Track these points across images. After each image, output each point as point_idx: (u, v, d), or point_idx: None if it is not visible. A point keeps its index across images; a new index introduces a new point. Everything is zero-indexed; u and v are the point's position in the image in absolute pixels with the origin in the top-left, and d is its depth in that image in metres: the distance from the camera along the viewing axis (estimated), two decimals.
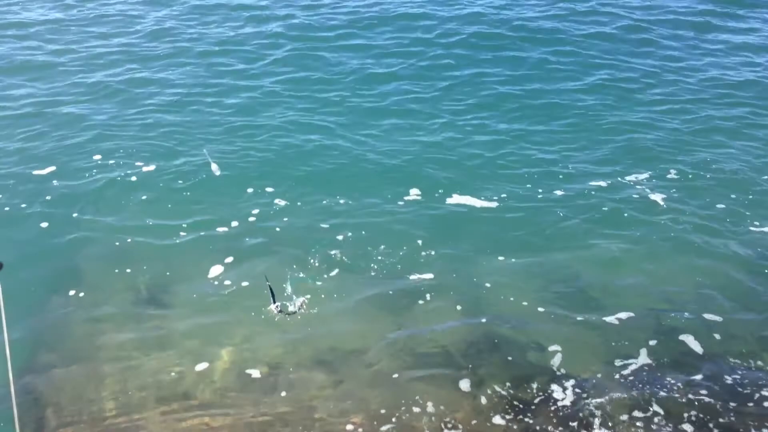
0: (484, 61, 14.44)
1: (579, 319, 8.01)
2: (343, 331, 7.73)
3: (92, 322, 7.80)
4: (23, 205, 9.63)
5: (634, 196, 10.24)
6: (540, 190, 10.30)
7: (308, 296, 7.93)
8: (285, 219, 9.52)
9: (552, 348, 7.55)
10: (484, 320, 7.95)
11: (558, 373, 7.24)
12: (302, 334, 7.63)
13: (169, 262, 8.67)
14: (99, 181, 10.21)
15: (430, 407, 6.81)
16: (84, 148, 11.05)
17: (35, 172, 10.36)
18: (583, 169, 10.87)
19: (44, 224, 9.33)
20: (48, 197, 9.83)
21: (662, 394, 7.00)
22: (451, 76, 13.74)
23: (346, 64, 14.10)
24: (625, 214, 9.83)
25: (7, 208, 9.55)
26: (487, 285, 8.46)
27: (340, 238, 9.14)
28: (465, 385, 7.09)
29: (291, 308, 7.39)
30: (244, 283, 8.31)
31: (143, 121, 11.90)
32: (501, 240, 9.28)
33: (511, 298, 8.27)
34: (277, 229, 9.34)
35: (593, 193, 10.29)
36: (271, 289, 7.60)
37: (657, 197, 10.16)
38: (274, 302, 7.50)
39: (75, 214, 9.52)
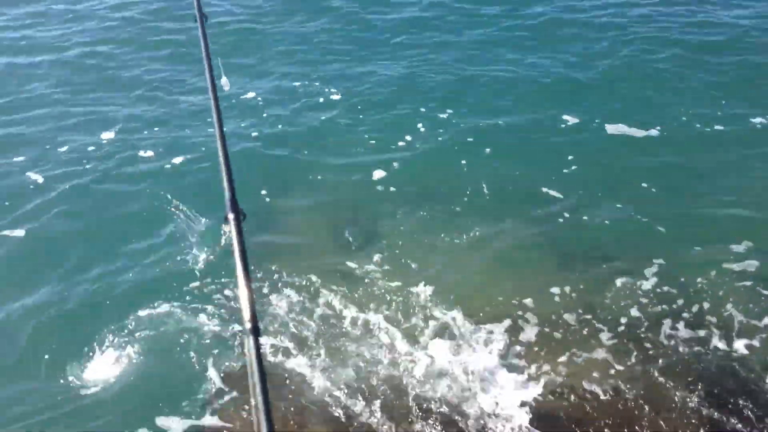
0: None
1: None
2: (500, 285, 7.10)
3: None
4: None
5: None
6: (698, 125, 9.32)
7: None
8: (446, 137, 9.37)
9: None
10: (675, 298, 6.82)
11: None
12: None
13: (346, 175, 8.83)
14: (295, 105, 10.43)
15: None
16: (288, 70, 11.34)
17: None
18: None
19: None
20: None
21: None
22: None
23: None
24: None
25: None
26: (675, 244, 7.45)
27: (496, 165, 8.79)
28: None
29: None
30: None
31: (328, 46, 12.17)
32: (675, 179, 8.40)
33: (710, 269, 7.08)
34: (435, 147, 9.19)
35: None
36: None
37: None
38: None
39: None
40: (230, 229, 2.40)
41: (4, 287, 7.11)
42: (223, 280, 7.10)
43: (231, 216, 2.45)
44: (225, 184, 2.56)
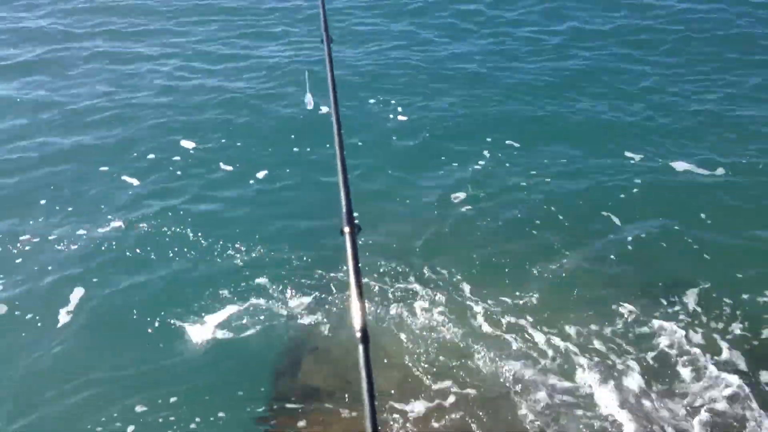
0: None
1: None
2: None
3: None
4: None
5: None
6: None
7: None
8: (514, 168, 9.38)
9: None
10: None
11: None
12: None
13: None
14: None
15: None
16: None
17: None
18: None
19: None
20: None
21: None
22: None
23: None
24: None
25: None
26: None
27: (559, 200, 8.70)
28: None
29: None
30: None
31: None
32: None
33: None
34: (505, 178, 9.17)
35: None
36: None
37: None
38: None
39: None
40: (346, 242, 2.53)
41: (113, 275, 7.62)
42: (331, 288, 7.39)
43: (346, 229, 2.57)
44: (342, 197, 2.68)
